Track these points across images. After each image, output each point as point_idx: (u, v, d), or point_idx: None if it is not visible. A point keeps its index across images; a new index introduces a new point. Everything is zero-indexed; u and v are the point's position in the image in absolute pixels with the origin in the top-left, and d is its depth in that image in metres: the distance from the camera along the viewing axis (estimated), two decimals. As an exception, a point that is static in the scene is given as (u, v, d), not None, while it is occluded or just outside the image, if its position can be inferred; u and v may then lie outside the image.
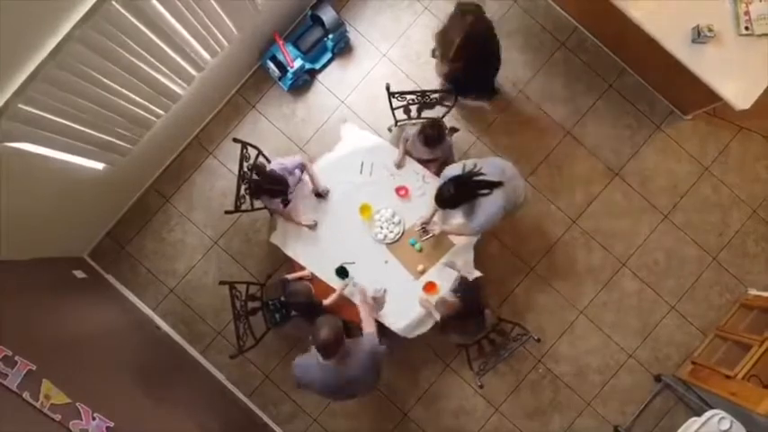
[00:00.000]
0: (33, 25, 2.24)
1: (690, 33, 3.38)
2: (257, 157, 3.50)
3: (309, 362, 2.83)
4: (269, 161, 3.71)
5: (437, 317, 3.25)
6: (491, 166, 3.03)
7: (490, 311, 3.30)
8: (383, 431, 4.07)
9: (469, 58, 3.27)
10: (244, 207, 3.40)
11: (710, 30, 3.31)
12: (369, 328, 3.03)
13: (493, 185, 2.94)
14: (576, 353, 4.12)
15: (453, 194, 2.94)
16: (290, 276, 3.43)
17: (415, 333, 3.49)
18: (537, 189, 4.16)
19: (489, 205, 2.97)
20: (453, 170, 3.06)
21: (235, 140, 3.35)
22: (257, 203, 3.52)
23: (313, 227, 3.49)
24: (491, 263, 4.04)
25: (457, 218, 3.35)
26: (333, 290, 3.41)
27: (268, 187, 3.21)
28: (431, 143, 3.30)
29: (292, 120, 4.18)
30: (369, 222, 3.49)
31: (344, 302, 3.41)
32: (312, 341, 2.71)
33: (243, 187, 3.36)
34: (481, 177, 2.94)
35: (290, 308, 3.29)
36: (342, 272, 3.45)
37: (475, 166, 2.99)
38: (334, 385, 2.83)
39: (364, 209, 3.51)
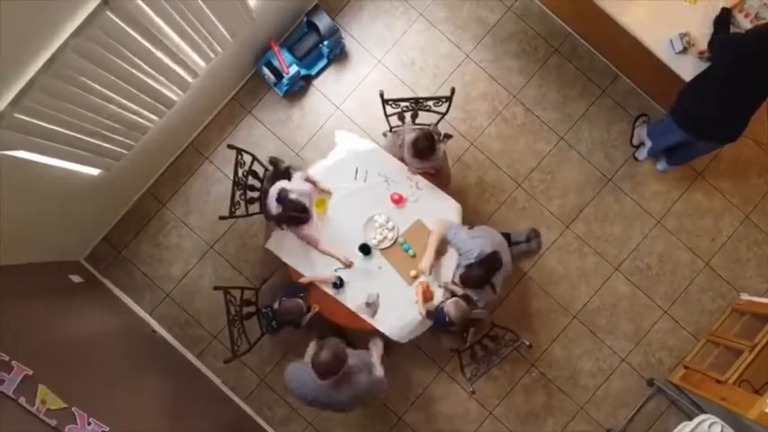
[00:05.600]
0: (29, 35, 2.27)
1: (678, 40, 3.41)
2: (252, 163, 3.53)
3: (303, 372, 2.89)
4: (265, 168, 3.75)
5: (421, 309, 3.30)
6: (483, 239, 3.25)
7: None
8: (378, 434, 4.11)
9: None
10: (238, 213, 3.42)
11: (690, 42, 3.40)
12: (378, 372, 3.07)
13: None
14: (570, 357, 4.15)
15: (483, 275, 3.18)
16: (303, 280, 3.42)
17: (409, 338, 3.52)
18: (530, 194, 4.20)
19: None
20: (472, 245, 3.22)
21: (230, 147, 3.39)
22: (252, 209, 3.55)
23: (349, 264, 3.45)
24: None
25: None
26: (330, 299, 3.44)
27: (294, 215, 3.20)
28: (422, 155, 3.26)
29: (288, 125, 4.21)
30: (323, 216, 3.49)
31: (336, 307, 3.44)
32: (312, 360, 2.73)
33: (238, 193, 3.39)
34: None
35: (282, 323, 3.33)
36: (365, 249, 3.45)
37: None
38: (323, 402, 2.92)
39: (319, 203, 3.50)
